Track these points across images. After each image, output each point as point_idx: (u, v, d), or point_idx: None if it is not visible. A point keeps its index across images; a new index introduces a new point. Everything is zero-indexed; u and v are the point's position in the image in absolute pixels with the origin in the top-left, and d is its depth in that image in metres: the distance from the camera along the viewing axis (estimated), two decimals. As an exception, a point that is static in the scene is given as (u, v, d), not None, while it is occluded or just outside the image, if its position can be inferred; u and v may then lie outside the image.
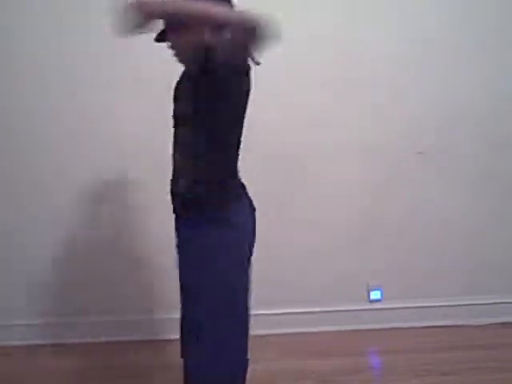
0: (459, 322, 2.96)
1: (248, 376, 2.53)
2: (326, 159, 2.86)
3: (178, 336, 2.83)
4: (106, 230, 2.85)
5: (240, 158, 1.84)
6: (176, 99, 1.77)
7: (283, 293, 2.85)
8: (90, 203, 2.83)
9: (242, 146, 1.83)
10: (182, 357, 1.83)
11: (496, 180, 2.94)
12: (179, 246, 1.78)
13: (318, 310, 2.89)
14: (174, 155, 1.73)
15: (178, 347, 2.76)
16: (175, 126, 1.74)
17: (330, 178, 2.87)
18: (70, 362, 2.71)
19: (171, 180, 1.75)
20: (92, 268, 2.88)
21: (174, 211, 1.78)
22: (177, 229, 1.80)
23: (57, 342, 2.86)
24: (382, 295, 2.98)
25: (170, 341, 2.86)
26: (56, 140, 2.78)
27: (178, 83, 1.78)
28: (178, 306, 2.88)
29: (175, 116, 1.74)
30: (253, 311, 2.83)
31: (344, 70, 2.80)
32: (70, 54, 2.72)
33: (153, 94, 2.71)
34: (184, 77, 1.78)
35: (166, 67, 2.71)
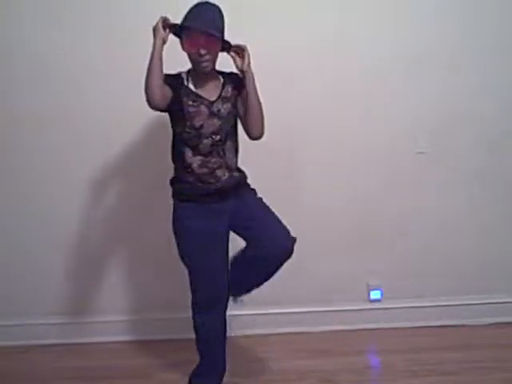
0: (459, 322, 2.96)
1: (248, 376, 2.54)
2: (326, 159, 2.86)
3: (178, 336, 2.86)
4: (106, 229, 2.85)
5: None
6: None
7: (283, 293, 2.85)
8: (93, 203, 2.84)
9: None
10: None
11: (496, 180, 2.93)
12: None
13: (318, 309, 2.89)
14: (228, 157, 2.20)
15: (177, 347, 2.78)
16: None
17: (330, 177, 2.86)
18: (70, 361, 2.72)
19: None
20: (92, 268, 2.88)
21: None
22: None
23: (56, 342, 2.86)
24: (381, 295, 2.98)
25: (170, 341, 2.87)
26: (58, 140, 2.79)
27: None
28: (178, 306, 2.89)
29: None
30: (253, 311, 2.86)
31: (344, 71, 2.80)
32: (69, 53, 2.72)
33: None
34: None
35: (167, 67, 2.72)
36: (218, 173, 2.16)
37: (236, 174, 2.22)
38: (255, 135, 2.20)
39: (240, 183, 2.24)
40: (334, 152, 2.85)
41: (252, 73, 2.13)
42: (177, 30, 2.10)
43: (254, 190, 2.29)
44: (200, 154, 2.14)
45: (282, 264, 2.17)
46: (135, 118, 2.75)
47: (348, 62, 2.80)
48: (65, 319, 2.87)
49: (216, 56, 2.12)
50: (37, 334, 2.85)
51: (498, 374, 2.47)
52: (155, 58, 2.05)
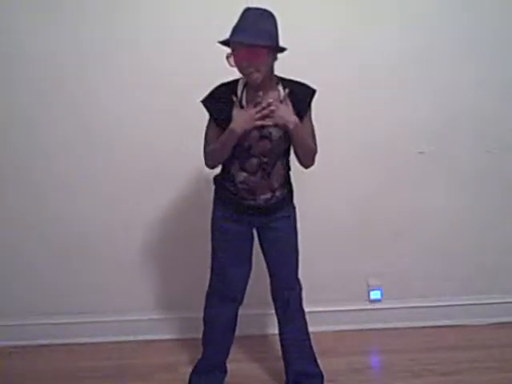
0: (459, 322, 2.96)
1: (249, 376, 2.55)
2: (326, 159, 2.85)
3: (178, 336, 2.86)
4: (105, 229, 2.85)
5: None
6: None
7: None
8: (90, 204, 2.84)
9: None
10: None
11: (495, 180, 2.93)
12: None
13: (317, 309, 2.88)
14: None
15: (176, 347, 2.78)
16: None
17: (330, 178, 2.86)
18: (70, 361, 2.72)
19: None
20: (92, 268, 2.87)
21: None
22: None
23: (56, 342, 2.86)
24: (381, 295, 2.98)
25: (171, 341, 2.87)
26: (59, 141, 2.78)
27: None
28: (178, 306, 2.89)
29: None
30: (254, 311, 2.86)
31: (344, 71, 2.79)
32: (69, 54, 2.71)
33: (153, 94, 2.72)
34: None
35: (166, 67, 2.73)
36: (258, 193, 2.14)
37: (278, 193, 2.19)
38: (303, 165, 2.24)
39: (278, 205, 2.20)
40: (333, 152, 2.84)
41: (297, 124, 2.08)
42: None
43: (292, 215, 2.28)
44: (245, 171, 2.12)
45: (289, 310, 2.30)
46: (136, 118, 2.75)
47: (348, 62, 2.79)
48: (65, 319, 2.87)
49: (264, 66, 1.99)
50: (37, 334, 2.85)
51: (498, 373, 2.48)
52: (229, 147, 2.07)
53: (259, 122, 2.01)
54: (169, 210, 2.83)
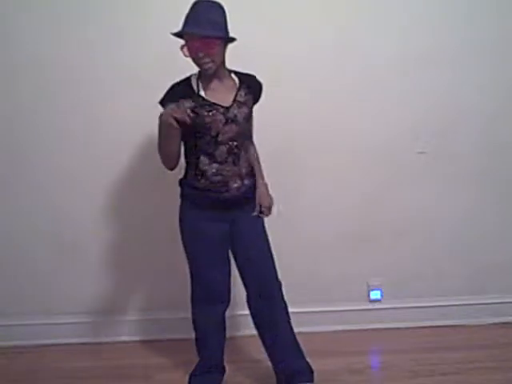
0: (459, 322, 2.96)
1: (248, 376, 2.55)
2: (327, 159, 2.86)
3: (178, 336, 2.86)
4: (108, 229, 2.85)
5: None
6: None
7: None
8: (85, 203, 2.84)
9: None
10: None
11: (496, 181, 2.93)
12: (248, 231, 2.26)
13: (318, 309, 2.89)
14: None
15: (177, 347, 2.78)
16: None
17: (331, 178, 2.86)
18: (70, 362, 2.71)
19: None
20: (92, 268, 2.87)
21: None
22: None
23: (56, 342, 2.86)
24: (381, 295, 2.98)
25: (170, 341, 2.87)
26: (59, 141, 2.78)
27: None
28: (179, 306, 2.89)
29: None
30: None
31: (345, 72, 2.79)
32: (66, 52, 2.71)
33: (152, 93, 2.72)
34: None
35: (164, 67, 2.73)
36: (230, 182, 2.15)
37: (246, 181, 2.21)
38: None
39: (249, 194, 2.24)
40: (333, 152, 2.85)
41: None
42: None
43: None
44: (216, 162, 2.12)
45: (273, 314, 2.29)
46: (140, 118, 2.74)
47: (348, 62, 2.79)
48: (65, 319, 2.87)
49: (218, 56, 2.04)
50: (37, 334, 2.84)
51: (498, 374, 2.48)
52: (170, 137, 2.04)
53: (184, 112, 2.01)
54: (173, 210, 2.83)
